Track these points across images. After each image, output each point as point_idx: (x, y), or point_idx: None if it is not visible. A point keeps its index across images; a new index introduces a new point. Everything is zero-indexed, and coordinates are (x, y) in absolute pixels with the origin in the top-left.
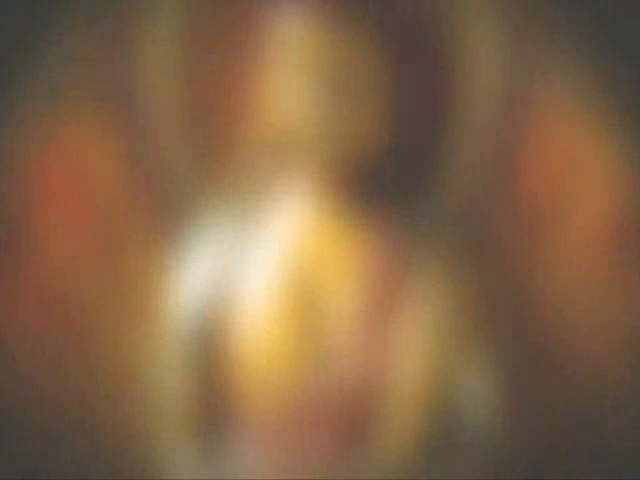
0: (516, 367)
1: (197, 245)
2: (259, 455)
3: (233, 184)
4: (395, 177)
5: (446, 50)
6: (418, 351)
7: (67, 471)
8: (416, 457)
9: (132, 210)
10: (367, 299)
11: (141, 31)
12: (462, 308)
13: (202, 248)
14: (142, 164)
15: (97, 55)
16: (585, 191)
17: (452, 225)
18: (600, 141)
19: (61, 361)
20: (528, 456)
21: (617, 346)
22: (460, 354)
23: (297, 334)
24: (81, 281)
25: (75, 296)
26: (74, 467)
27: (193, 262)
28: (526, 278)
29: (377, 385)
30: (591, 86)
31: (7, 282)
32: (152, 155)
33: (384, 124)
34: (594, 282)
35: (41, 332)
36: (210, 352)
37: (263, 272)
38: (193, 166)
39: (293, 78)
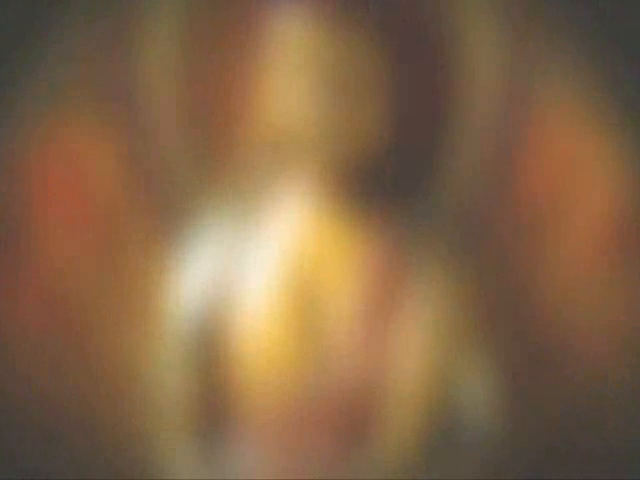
0: (516, 367)
1: (197, 245)
2: (259, 455)
3: (233, 184)
4: (395, 177)
5: (446, 50)
6: (418, 351)
7: (67, 471)
8: (416, 457)
9: (132, 210)
10: (367, 299)
11: (141, 31)
12: (462, 308)
13: (202, 248)
14: (142, 164)
15: (97, 55)
16: (585, 191)
17: (452, 225)
18: (600, 141)
19: (61, 361)
20: (528, 456)
21: (617, 346)
22: (460, 354)
23: (297, 334)
24: (81, 281)
25: (75, 296)
26: (74, 467)
27: (193, 262)
28: (526, 278)
29: (377, 385)
30: (591, 86)
31: (7, 282)
32: (152, 155)
33: (384, 124)
34: (594, 282)
35: (41, 332)
36: (210, 352)
37: (263, 272)
38: (193, 166)
39: (293, 78)
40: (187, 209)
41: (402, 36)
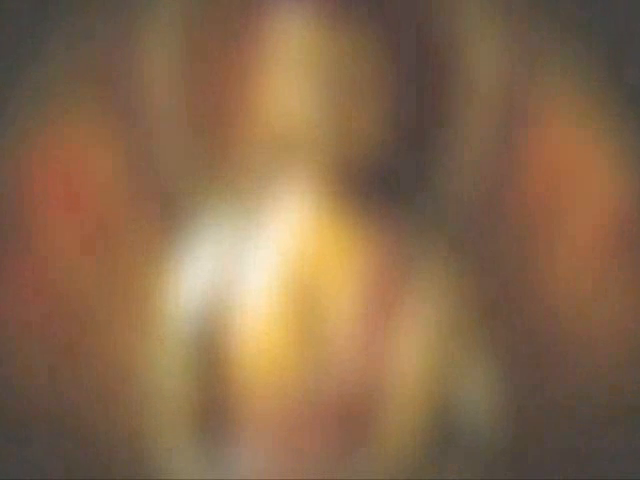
0: (516, 367)
1: (197, 245)
2: (259, 456)
3: (233, 184)
4: (395, 177)
5: (447, 50)
6: (418, 351)
7: (67, 471)
8: (416, 458)
9: (132, 210)
10: (367, 299)
11: (142, 31)
12: (463, 308)
13: (202, 248)
14: (142, 164)
15: (97, 55)
16: (586, 191)
17: (452, 225)
18: (600, 141)
19: (60, 361)
20: (528, 457)
21: (618, 346)
22: (461, 355)
23: (297, 334)
24: (80, 281)
25: (74, 296)
26: (74, 467)
27: (193, 262)
28: (527, 277)
29: (377, 386)
30: (591, 86)
31: (7, 282)
32: (152, 155)
33: (384, 124)
34: (595, 281)
35: (40, 332)
36: (210, 353)
37: (263, 272)
38: (193, 166)
39: (293, 78)
40: (187, 209)
41: (403, 36)
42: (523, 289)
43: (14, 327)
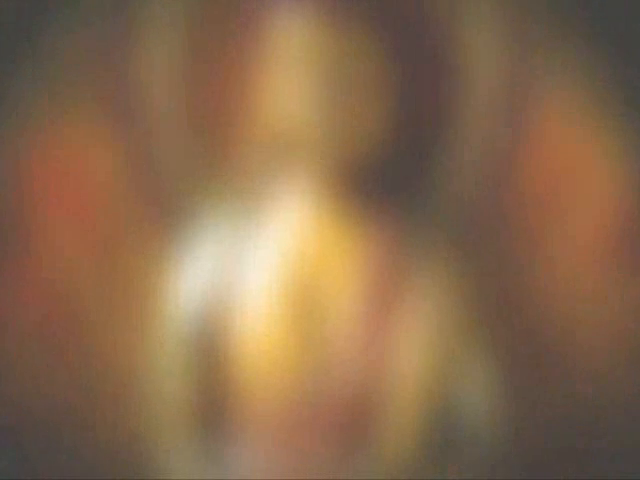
0: (516, 367)
1: (197, 245)
2: (259, 457)
3: (233, 184)
4: (395, 176)
5: (447, 50)
6: (418, 351)
7: (66, 471)
8: (416, 458)
9: (132, 210)
10: (368, 299)
11: (141, 31)
12: (463, 308)
13: (202, 248)
14: (142, 164)
15: (97, 55)
16: (586, 191)
17: (453, 225)
18: (601, 141)
19: (60, 360)
20: (528, 456)
21: (618, 346)
22: (461, 355)
23: (297, 335)
24: (80, 282)
25: (74, 296)
26: (73, 467)
27: (193, 262)
28: (527, 277)
29: (378, 386)
30: (592, 86)
31: (6, 282)
32: (152, 155)
33: (384, 123)
34: (595, 281)
35: (40, 332)
36: (209, 353)
37: (263, 272)
38: (193, 166)
39: (293, 78)
40: (187, 209)
41: (403, 36)
42: (523, 289)
43: (13, 327)
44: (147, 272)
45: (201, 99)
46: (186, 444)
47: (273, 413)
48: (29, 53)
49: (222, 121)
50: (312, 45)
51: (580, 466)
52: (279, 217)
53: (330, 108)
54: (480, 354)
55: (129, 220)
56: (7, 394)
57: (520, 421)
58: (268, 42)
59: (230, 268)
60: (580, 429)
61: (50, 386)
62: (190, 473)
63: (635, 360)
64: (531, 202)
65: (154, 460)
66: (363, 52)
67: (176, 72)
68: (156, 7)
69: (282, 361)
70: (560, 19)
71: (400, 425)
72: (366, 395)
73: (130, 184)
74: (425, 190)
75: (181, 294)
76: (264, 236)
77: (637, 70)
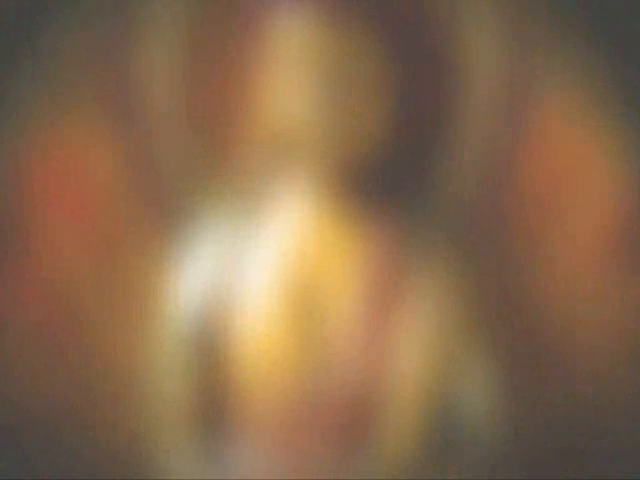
0: (516, 367)
1: (197, 245)
2: (259, 457)
3: (233, 184)
4: (396, 176)
5: (447, 50)
6: (418, 352)
7: (66, 471)
8: (416, 458)
9: (132, 210)
10: (368, 299)
11: (141, 31)
12: (463, 308)
13: (202, 248)
14: (142, 164)
15: (97, 55)
16: (586, 190)
17: (453, 225)
18: (601, 141)
19: (60, 360)
20: (528, 456)
21: (618, 346)
22: (461, 355)
23: (297, 335)
24: (80, 281)
25: (74, 296)
26: (74, 467)
27: (193, 262)
28: (527, 277)
29: (378, 386)
30: (592, 86)
31: (6, 282)
32: (152, 155)
33: (384, 123)
34: (595, 281)
35: (40, 332)
36: (210, 353)
37: (263, 272)
38: (193, 166)
39: (293, 78)
40: (187, 209)
41: (403, 36)
42: (523, 289)
43: (13, 327)
44: (147, 272)
45: (201, 99)
46: (186, 444)
47: (273, 413)
48: (29, 53)
49: (222, 121)
50: (312, 45)
51: (580, 466)
52: (279, 217)
53: (330, 108)
54: (480, 354)
55: (129, 220)
56: (7, 394)
57: (520, 421)
58: (268, 42)
59: (230, 268)
60: (580, 429)
61: (50, 386)
62: (190, 473)
63: (635, 360)
64: (531, 202)
65: (154, 460)
66: (363, 52)
67: (176, 72)
68: (156, 7)
69: (282, 361)
70: (560, 19)
71: (400, 425)
72: (366, 395)
73: (130, 184)
74: (425, 190)
75: (181, 294)
76: (264, 236)
77: (637, 70)
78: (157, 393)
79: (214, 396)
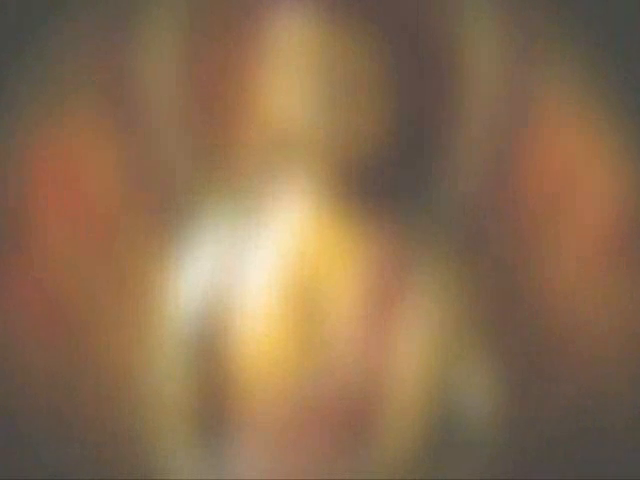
0: (516, 367)
1: (197, 245)
2: (259, 458)
3: (233, 184)
4: (396, 176)
5: (447, 50)
6: (418, 352)
7: (66, 471)
8: (416, 458)
9: (132, 210)
10: (368, 299)
11: (141, 31)
12: (463, 308)
13: (202, 248)
14: (142, 164)
15: (97, 55)
16: (586, 191)
17: (453, 225)
18: (601, 141)
19: (60, 361)
20: (528, 456)
21: (618, 346)
22: (461, 355)
23: (297, 335)
24: (80, 281)
25: (74, 296)
26: (74, 467)
27: (192, 262)
28: (527, 277)
29: (378, 386)
30: (592, 86)
31: (6, 282)
32: (152, 155)
33: (384, 123)
34: (595, 281)
35: (39, 332)
36: (210, 354)
37: (263, 272)
38: (193, 166)
39: (293, 78)
40: (187, 209)
41: (403, 36)
42: (524, 289)
43: (12, 328)
44: (147, 272)
45: (201, 99)
46: (186, 445)
47: (273, 413)
48: (29, 52)
49: (222, 121)
50: (312, 45)
51: (581, 466)
52: (279, 217)
53: (330, 108)
54: (481, 355)
55: (129, 220)
56: (7, 395)
57: (521, 421)
58: (268, 41)
59: (230, 268)
60: (580, 429)
61: (49, 386)
62: (190, 474)
63: (637, 361)
64: (532, 201)
65: (154, 461)
66: (363, 51)
67: (176, 71)
68: (156, 7)
69: (282, 361)
70: (560, 18)
71: (400, 426)
72: (366, 395)
73: (130, 184)
74: (425, 190)
75: (181, 294)
76: (264, 236)
77: (638, 70)
78: (156, 393)
79: (214, 396)
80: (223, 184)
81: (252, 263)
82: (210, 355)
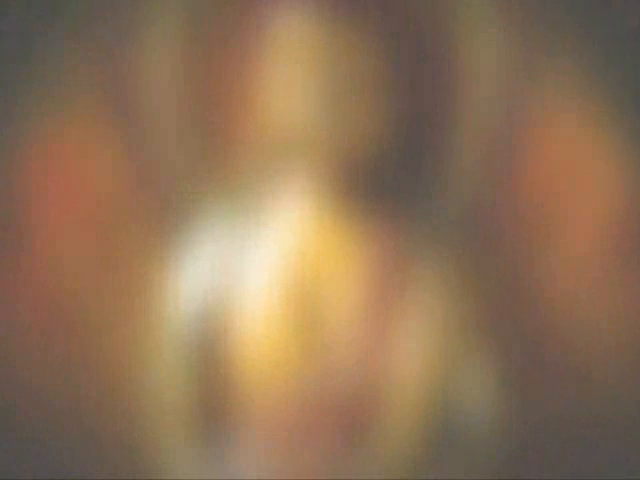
0: (517, 367)
1: (196, 245)
2: (260, 459)
3: (233, 183)
4: (396, 176)
5: (447, 49)
6: (419, 351)
7: (67, 472)
8: (417, 457)
9: (132, 210)
10: (369, 299)
11: (141, 31)
12: (464, 308)
13: (202, 248)
14: (142, 164)
15: (97, 55)
16: (587, 191)
17: (453, 224)
18: (601, 141)
19: (60, 361)
20: (528, 456)
21: (618, 346)
22: (461, 355)
23: (298, 336)
24: (80, 281)
25: (73, 296)
26: (74, 467)
27: (193, 263)
28: (527, 277)
29: (378, 386)
30: (592, 86)
31: (5, 282)
32: (152, 155)
33: (385, 123)
34: (596, 282)
35: (39, 332)
36: (210, 354)
37: (263, 272)
38: (193, 165)
39: (294, 77)
40: (187, 209)
41: (403, 35)
42: (525, 291)
43: (12, 329)
44: (147, 272)
45: (201, 98)
46: (186, 446)
47: (273, 414)
48: (29, 54)
49: (222, 120)
50: (313, 44)
51: (581, 466)
52: (279, 217)
53: (331, 107)
54: (481, 356)
55: (129, 220)
56: (7, 396)
57: (520, 422)
58: (269, 41)
59: (230, 268)
60: (581, 429)
61: (49, 386)
62: (190, 475)
63: (637, 361)
64: (532, 200)
65: (154, 462)
66: (364, 50)
67: (176, 72)
68: (156, 7)
69: (282, 362)
70: (561, 19)
71: (401, 427)
72: (367, 396)
73: (130, 184)
74: (426, 189)
75: (181, 294)
76: (264, 236)
77: (638, 70)
78: (156, 394)
79: (213, 397)
80: (223, 184)
81: (252, 263)
82: (210, 355)
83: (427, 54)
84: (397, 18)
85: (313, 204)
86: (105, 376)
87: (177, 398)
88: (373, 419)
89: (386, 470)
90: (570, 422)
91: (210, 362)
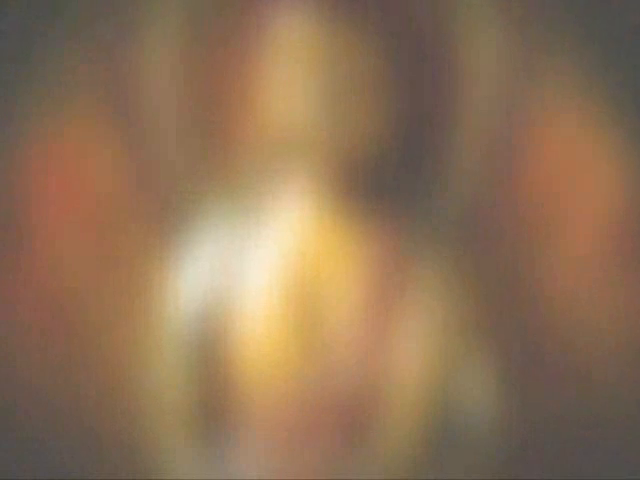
0: (517, 367)
1: (196, 245)
2: (260, 458)
3: (233, 183)
4: (396, 176)
5: (447, 49)
6: (419, 351)
7: (67, 472)
8: (417, 457)
9: (132, 210)
10: (369, 299)
11: (141, 31)
12: (464, 308)
13: (202, 249)
14: (142, 164)
15: (97, 55)
16: (586, 191)
17: (453, 224)
18: (601, 141)
19: (60, 361)
20: (527, 456)
21: (618, 345)
22: (461, 354)
23: (298, 336)
24: (80, 282)
25: (72, 296)
26: (74, 467)
27: (192, 262)
28: (527, 277)
29: (378, 386)
30: (592, 86)
31: (6, 282)
32: (152, 155)
33: (385, 123)
34: (596, 282)
35: (39, 332)
36: (210, 354)
37: (263, 272)
38: (193, 165)
39: (294, 77)
40: (187, 209)
41: (403, 35)
42: (525, 291)
43: (12, 329)
44: (147, 272)
45: (201, 98)
46: (186, 446)
47: (273, 414)
48: (29, 54)
49: (222, 120)
50: (313, 44)
51: (581, 466)
52: (280, 217)
53: (331, 107)
54: (481, 356)
55: (129, 220)
56: (7, 397)
57: (520, 422)
58: (269, 40)
59: (230, 268)
60: (581, 429)
61: (49, 387)
62: (190, 475)
63: (637, 361)
64: (532, 200)
65: (154, 462)
66: (364, 51)
67: (176, 72)
68: (156, 7)
69: (282, 362)
70: (560, 18)
71: (401, 427)
72: (367, 396)
73: (130, 184)
74: (426, 189)
75: (181, 294)
76: (264, 236)
77: (637, 70)
78: (156, 394)
79: (213, 397)
80: (223, 184)
81: (252, 263)
82: (210, 355)
83: (427, 54)
84: (397, 18)
85: (313, 204)
86: (105, 376)
87: (177, 398)
88: (373, 419)
89: (386, 470)
90: (570, 422)
91: (210, 362)
